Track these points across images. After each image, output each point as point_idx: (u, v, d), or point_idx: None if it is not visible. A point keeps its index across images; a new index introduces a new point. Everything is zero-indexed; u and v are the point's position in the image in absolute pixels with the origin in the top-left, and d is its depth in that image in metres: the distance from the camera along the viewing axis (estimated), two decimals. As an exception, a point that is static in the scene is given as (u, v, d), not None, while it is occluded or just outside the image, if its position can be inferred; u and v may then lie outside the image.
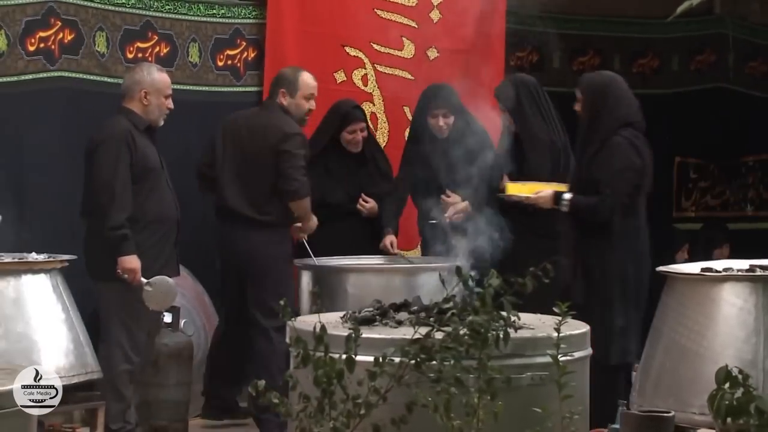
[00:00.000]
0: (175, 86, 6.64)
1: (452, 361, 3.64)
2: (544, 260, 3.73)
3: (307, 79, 6.75)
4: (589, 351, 4.46)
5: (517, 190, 6.42)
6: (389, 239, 7.06)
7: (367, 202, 7.14)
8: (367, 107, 7.76)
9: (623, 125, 6.14)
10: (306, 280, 6.65)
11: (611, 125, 6.12)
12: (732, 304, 5.24)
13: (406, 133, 7.88)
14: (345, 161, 7.18)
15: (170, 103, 6.29)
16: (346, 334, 3.65)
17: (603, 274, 6.08)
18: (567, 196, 6.21)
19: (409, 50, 8.05)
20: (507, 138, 6.70)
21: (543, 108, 6.74)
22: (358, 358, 3.58)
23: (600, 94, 6.21)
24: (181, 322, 6.62)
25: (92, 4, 6.76)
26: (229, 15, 7.46)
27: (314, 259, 6.66)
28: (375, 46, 7.94)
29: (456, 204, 6.86)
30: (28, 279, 5.74)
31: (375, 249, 7.03)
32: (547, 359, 3.96)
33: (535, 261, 3.79)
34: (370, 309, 4.56)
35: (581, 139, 6.25)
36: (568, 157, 6.68)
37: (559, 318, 3.96)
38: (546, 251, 5.73)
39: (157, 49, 7.12)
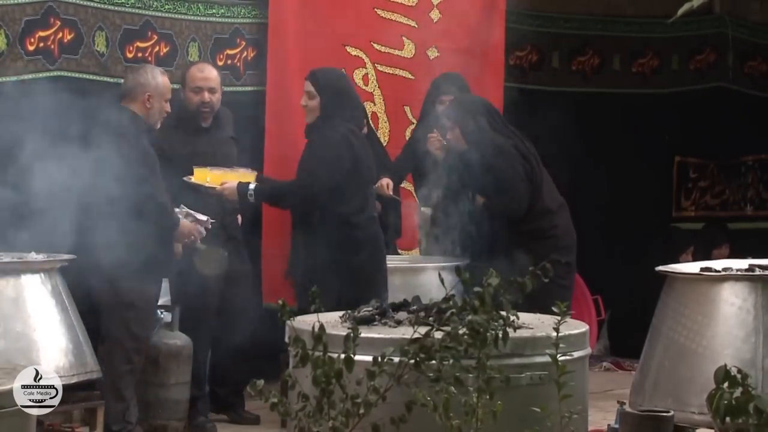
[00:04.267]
0: (175, 86, 6.64)
1: (451, 361, 3.64)
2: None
3: (193, 71, 6.76)
4: (588, 350, 4.47)
5: (203, 177, 6.41)
6: (384, 180, 7.11)
7: None
8: (368, 107, 7.77)
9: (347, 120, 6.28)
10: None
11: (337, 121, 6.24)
12: (731, 303, 5.25)
13: (407, 133, 7.89)
14: None
15: (168, 107, 6.30)
16: (345, 333, 3.66)
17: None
18: (252, 186, 6.35)
19: (409, 50, 8.06)
20: (463, 155, 6.75)
21: (496, 122, 6.78)
22: (357, 357, 3.58)
23: (334, 92, 6.32)
24: None
25: (92, 4, 6.75)
26: (229, 15, 7.46)
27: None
28: (375, 45, 7.94)
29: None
30: (27, 279, 5.74)
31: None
32: (546, 359, 3.97)
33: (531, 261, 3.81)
34: (370, 308, 4.56)
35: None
36: (539, 162, 6.74)
37: (558, 318, 3.96)
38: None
39: (157, 48, 7.12)
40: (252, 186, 6.36)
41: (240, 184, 6.38)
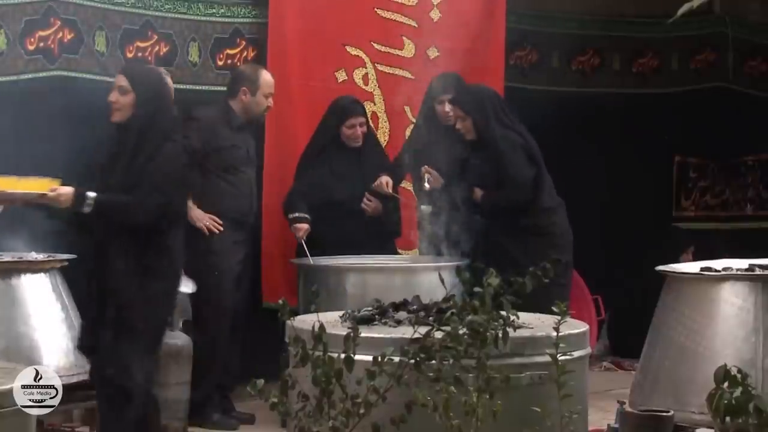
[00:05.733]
0: (175, 86, 6.64)
1: (451, 361, 3.64)
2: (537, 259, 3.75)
3: (267, 77, 6.83)
4: (588, 350, 4.46)
5: (11, 185, 5.45)
6: (384, 178, 7.11)
7: (370, 201, 7.16)
8: (368, 106, 7.77)
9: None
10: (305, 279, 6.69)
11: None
12: (731, 303, 5.25)
13: (407, 132, 7.90)
14: (347, 158, 7.18)
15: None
16: (345, 333, 3.66)
17: None
18: (92, 194, 5.42)
19: (409, 50, 8.06)
20: (467, 145, 6.76)
21: (506, 114, 6.80)
22: (357, 357, 3.58)
23: (152, 91, 5.58)
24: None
25: (92, 4, 6.76)
26: (229, 14, 7.46)
27: (311, 258, 6.69)
28: (376, 45, 7.94)
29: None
30: (27, 278, 5.74)
31: (381, 248, 7.04)
32: (547, 358, 3.96)
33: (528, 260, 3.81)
34: (370, 308, 4.56)
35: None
36: (541, 158, 6.77)
37: (558, 317, 3.96)
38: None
39: (157, 48, 7.12)
40: (92, 195, 5.43)
41: (77, 191, 5.47)
